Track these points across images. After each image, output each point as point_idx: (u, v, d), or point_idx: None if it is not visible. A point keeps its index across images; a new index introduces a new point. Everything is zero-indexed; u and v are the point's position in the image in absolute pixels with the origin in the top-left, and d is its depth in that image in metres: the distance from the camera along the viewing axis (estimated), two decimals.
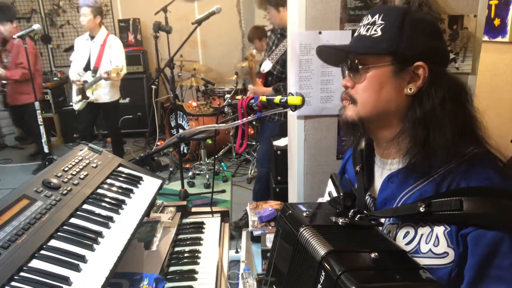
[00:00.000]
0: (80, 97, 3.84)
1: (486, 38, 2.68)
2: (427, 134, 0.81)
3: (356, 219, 0.85)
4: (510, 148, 2.35)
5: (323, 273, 0.73)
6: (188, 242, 1.36)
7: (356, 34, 0.92)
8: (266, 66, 3.01)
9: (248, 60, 3.21)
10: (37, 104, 3.68)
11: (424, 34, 0.84)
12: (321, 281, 0.73)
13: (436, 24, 0.90)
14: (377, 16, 0.87)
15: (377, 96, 0.87)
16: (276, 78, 2.99)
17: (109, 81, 3.76)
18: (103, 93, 3.86)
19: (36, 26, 3.55)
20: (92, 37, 3.81)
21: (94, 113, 4.01)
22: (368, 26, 0.88)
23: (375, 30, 0.86)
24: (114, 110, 4.04)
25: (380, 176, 0.95)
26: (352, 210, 0.87)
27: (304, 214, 0.88)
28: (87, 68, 3.83)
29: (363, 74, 0.87)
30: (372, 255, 0.74)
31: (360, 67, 0.87)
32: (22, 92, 4.05)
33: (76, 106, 3.92)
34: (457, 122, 0.82)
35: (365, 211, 0.88)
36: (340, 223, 0.83)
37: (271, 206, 1.66)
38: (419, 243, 0.81)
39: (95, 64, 3.79)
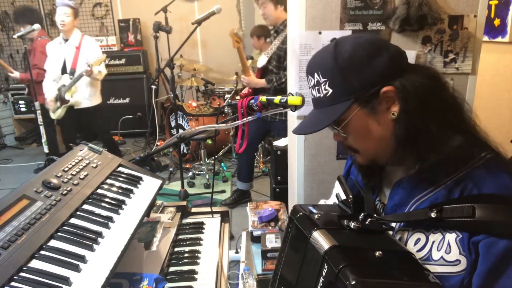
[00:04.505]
0: (58, 103, 3.62)
1: (486, 38, 2.68)
2: (420, 147, 0.81)
3: (367, 223, 0.84)
4: (510, 148, 2.35)
5: (325, 266, 0.74)
6: (188, 242, 1.36)
7: (311, 97, 0.91)
8: (262, 61, 3.05)
9: (233, 42, 3.05)
10: (37, 104, 3.68)
11: (364, 62, 0.81)
12: (324, 274, 0.74)
13: (368, 41, 0.84)
14: (316, 75, 0.86)
15: (370, 139, 0.86)
16: (271, 73, 3.03)
17: (88, 83, 3.57)
18: (83, 98, 3.64)
19: (36, 26, 3.56)
20: (66, 40, 3.61)
21: (77, 119, 3.75)
22: (317, 87, 0.87)
23: (325, 89, 0.85)
24: (98, 114, 3.80)
25: (389, 182, 0.95)
26: (362, 214, 0.87)
27: (316, 216, 0.87)
28: (63, 72, 3.63)
29: (345, 129, 0.87)
30: (376, 253, 0.74)
31: (338, 127, 0.87)
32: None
33: (55, 115, 3.69)
34: (444, 116, 0.81)
35: (375, 215, 0.87)
36: (352, 227, 0.83)
37: (271, 206, 1.66)
38: (430, 250, 0.80)
39: (72, 66, 3.59)
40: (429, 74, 0.84)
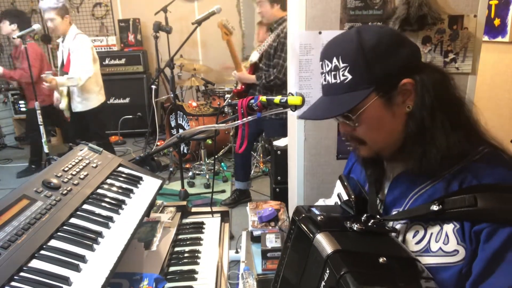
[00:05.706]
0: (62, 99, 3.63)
1: (486, 38, 2.68)
2: (427, 142, 0.81)
3: (369, 224, 0.84)
4: (510, 148, 2.35)
5: (327, 271, 0.73)
6: (188, 242, 1.36)
7: (324, 83, 0.88)
8: (253, 57, 3.09)
9: (222, 34, 2.98)
10: (37, 104, 3.67)
11: (390, 51, 0.80)
12: (325, 278, 0.74)
13: (391, 31, 0.84)
14: (335, 59, 0.83)
15: (382, 131, 0.84)
16: (261, 70, 3.06)
17: (76, 88, 3.47)
18: (77, 102, 3.58)
19: (36, 26, 3.54)
20: (64, 39, 3.52)
21: (79, 121, 3.72)
22: (334, 73, 0.84)
23: (344, 75, 0.82)
24: (93, 118, 3.68)
25: (388, 177, 0.95)
26: (365, 215, 0.86)
27: (319, 218, 0.87)
28: (62, 73, 3.58)
29: (357, 119, 0.84)
30: (380, 259, 0.73)
31: (352, 116, 0.83)
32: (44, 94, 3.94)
33: (67, 112, 3.69)
34: (452, 112, 0.81)
35: (378, 216, 0.87)
36: (355, 229, 0.82)
37: (271, 206, 1.66)
38: (429, 242, 0.81)
39: (64, 68, 3.52)
40: (441, 72, 0.85)
